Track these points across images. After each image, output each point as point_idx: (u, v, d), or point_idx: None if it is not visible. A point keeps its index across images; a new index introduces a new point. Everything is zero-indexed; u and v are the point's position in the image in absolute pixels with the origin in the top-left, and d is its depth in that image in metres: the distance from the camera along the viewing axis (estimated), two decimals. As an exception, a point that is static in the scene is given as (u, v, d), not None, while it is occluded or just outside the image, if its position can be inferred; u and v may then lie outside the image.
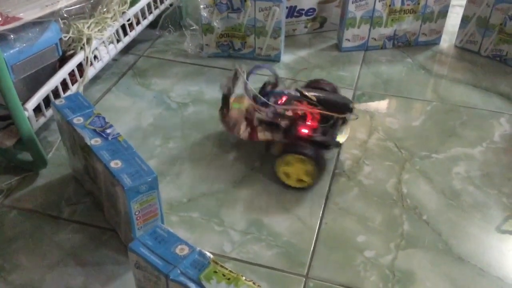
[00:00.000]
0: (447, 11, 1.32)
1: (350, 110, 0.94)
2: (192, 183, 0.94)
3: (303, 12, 1.37)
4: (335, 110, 0.93)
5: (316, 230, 0.85)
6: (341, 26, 1.33)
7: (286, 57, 1.31)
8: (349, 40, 1.32)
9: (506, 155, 1.01)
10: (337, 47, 1.36)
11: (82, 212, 0.89)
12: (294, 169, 0.90)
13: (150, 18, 1.31)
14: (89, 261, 0.80)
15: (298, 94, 0.94)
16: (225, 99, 0.96)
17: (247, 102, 0.95)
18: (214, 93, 1.18)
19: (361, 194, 0.92)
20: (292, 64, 1.30)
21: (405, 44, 1.35)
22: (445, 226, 0.86)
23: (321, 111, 0.91)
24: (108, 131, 0.80)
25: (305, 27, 1.41)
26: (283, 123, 0.92)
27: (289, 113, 0.93)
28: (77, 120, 0.82)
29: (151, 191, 0.73)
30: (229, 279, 0.59)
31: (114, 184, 0.73)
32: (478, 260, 0.81)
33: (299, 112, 0.92)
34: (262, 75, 1.03)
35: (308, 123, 0.92)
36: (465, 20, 1.31)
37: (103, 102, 1.15)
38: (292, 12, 1.36)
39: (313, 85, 1.03)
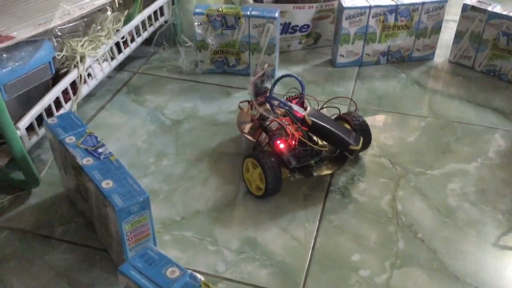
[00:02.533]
0: (440, 27, 1.33)
1: (347, 150, 0.93)
2: (186, 201, 0.94)
3: (298, 28, 1.38)
4: (335, 144, 0.94)
5: (311, 249, 0.85)
6: (335, 42, 1.33)
7: (281, 73, 1.31)
8: (343, 56, 1.32)
9: (501, 171, 1.00)
10: (332, 63, 1.36)
11: (75, 232, 0.88)
12: (252, 175, 0.92)
13: (145, 35, 1.31)
14: (81, 282, 0.79)
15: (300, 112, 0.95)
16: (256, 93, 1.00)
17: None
18: (208, 110, 1.18)
19: (355, 212, 0.92)
20: (287, 80, 1.30)
21: (399, 60, 1.36)
22: (441, 244, 0.86)
23: (301, 137, 0.91)
24: (100, 150, 0.79)
25: (300, 43, 1.41)
26: (270, 128, 0.95)
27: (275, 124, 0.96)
28: (69, 139, 0.82)
29: (142, 211, 0.72)
30: (220, 302, 0.58)
31: (105, 205, 0.72)
32: (473, 278, 0.80)
33: (287, 128, 0.92)
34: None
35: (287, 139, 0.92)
36: (458, 35, 1.32)
37: (97, 119, 1.15)
38: (287, 28, 1.37)
39: (343, 116, 1.02)
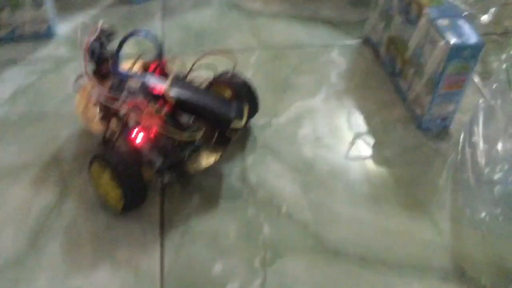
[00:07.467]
0: None
1: (227, 127, 0.70)
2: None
3: (69, -38, 1.04)
4: (212, 123, 0.70)
5: (159, 277, 0.64)
6: (123, -27, 1.03)
7: (63, 29, 1.00)
8: (138, -11, 1.04)
9: (346, 97, 0.88)
10: (127, -1, 1.07)
11: None
12: (103, 182, 0.67)
13: None
14: None
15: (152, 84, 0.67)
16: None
17: None
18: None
19: (203, 202, 0.72)
20: (75, 35, 0.99)
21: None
22: (309, 212, 0.71)
23: (166, 128, 0.66)
24: None
25: (78, -19, 1.08)
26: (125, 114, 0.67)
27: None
28: None
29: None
30: None
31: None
32: (355, 247, 0.67)
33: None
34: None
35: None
36: None
37: None
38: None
39: (219, 80, 0.77)
